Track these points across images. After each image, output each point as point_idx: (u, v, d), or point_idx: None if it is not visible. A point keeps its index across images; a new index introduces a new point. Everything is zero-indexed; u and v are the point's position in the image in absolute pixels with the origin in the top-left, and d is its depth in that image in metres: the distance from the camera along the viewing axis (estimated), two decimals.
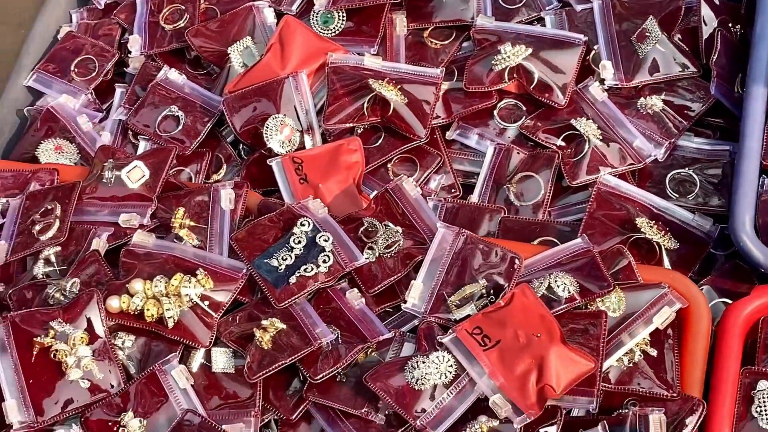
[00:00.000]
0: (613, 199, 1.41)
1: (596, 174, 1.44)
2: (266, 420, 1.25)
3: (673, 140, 1.47)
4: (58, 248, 1.39)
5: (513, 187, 1.47)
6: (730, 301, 1.31)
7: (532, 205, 1.45)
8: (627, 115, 1.49)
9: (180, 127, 1.57)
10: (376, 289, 1.29)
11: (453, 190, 1.50)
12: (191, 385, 1.23)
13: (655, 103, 1.49)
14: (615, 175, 1.44)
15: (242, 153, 1.59)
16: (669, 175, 1.45)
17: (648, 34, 1.52)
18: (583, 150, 1.46)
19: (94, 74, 1.71)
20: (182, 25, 1.71)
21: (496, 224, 1.42)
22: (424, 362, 1.19)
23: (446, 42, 1.62)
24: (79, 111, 1.66)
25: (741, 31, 1.54)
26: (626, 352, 1.23)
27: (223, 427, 1.20)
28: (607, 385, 1.21)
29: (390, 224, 1.33)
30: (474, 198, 1.48)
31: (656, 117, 1.49)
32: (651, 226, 1.37)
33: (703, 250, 1.38)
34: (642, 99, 1.50)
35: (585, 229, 1.38)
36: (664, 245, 1.36)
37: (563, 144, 1.48)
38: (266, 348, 1.24)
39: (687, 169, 1.46)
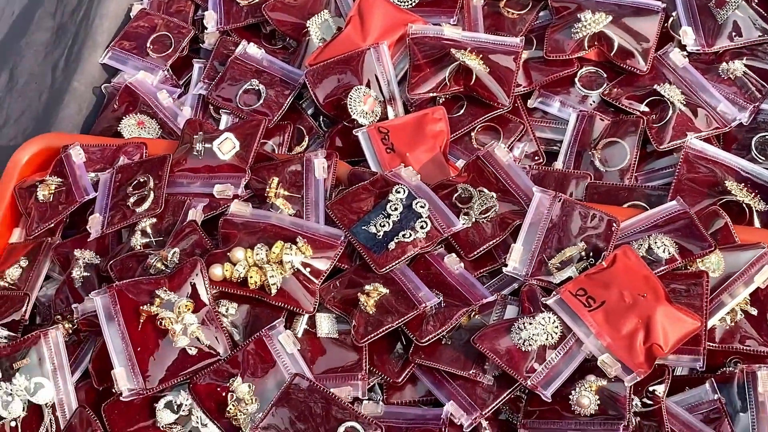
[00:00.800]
0: (701, 162, 1.42)
1: (683, 138, 1.45)
2: (371, 384, 1.27)
3: (757, 104, 1.48)
4: (154, 220, 1.40)
5: (598, 153, 1.48)
6: None
7: (619, 171, 1.46)
8: (709, 80, 1.50)
9: (261, 101, 1.59)
10: (475, 253, 1.31)
11: (536, 158, 1.51)
12: (298, 350, 1.25)
13: (737, 67, 1.50)
14: (701, 140, 1.44)
15: (322, 125, 1.60)
16: (755, 139, 1.46)
17: (727, 0, 1.53)
18: (668, 115, 1.47)
19: (170, 50, 1.72)
20: (257, 0, 1.71)
21: (582, 190, 1.43)
22: (530, 323, 1.21)
23: (523, 12, 1.63)
24: (158, 87, 1.67)
25: None
26: (728, 312, 1.24)
27: (331, 390, 1.21)
28: (711, 344, 1.22)
29: (485, 190, 1.35)
30: (558, 165, 1.49)
31: (738, 82, 1.50)
32: (740, 188, 1.38)
33: None
34: (724, 64, 1.51)
35: (674, 192, 1.39)
36: (754, 207, 1.37)
37: (647, 110, 1.49)
38: (371, 312, 1.25)
39: None
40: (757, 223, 1.38)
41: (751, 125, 1.48)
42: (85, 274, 1.39)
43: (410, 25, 1.56)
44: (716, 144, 1.47)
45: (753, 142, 1.46)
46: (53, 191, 1.49)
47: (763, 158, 1.45)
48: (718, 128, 1.46)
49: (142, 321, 1.27)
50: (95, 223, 1.43)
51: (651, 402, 1.17)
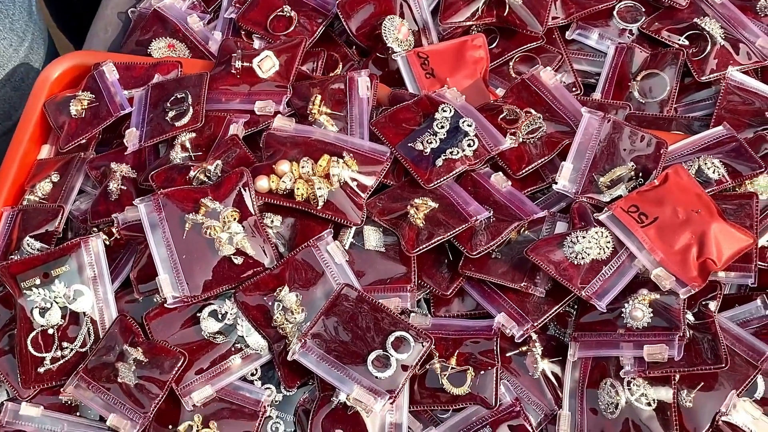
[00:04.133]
0: (742, 93, 1.42)
1: (723, 70, 1.45)
2: (418, 297, 1.26)
3: None
4: (194, 134, 1.38)
5: (637, 84, 1.48)
6: None
7: (659, 102, 1.46)
8: (747, 16, 1.51)
9: (293, 27, 1.57)
10: (523, 171, 1.30)
11: (574, 89, 1.51)
12: (346, 261, 1.24)
13: None
14: (741, 72, 1.45)
15: (356, 53, 1.59)
16: None
17: None
18: (708, 48, 1.47)
19: None
20: None
21: (622, 119, 1.43)
22: (584, 237, 1.20)
23: None
24: (187, 12, 1.65)
25: None
26: None
27: (380, 301, 1.20)
28: (761, 263, 1.22)
29: (532, 111, 1.34)
30: (596, 95, 1.49)
31: None
32: None
33: None
34: (762, 1, 1.52)
35: (716, 122, 1.39)
36: None
37: (686, 43, 1.49)
38: (421, 225, 1.24)
39: None
40: None
41: None
42: (123, 187, 1.36)
43: None
44: (755, 78, 1.47)
45: None
46: (86, 107, 1.46)
47: None
48: (758, 62, 1.47)
49: (187, 229, 1.25)
50: (132, 137, 1.40)
51: (703, 316, 1.17)
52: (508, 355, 1.21)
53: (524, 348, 1.21)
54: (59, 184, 1.42)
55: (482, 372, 1.17)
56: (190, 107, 1.39)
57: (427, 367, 1.19)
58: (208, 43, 1.59)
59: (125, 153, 1.40)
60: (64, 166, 1.44)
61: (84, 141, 1.44)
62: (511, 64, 1.52)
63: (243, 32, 1.61)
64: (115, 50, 1.67)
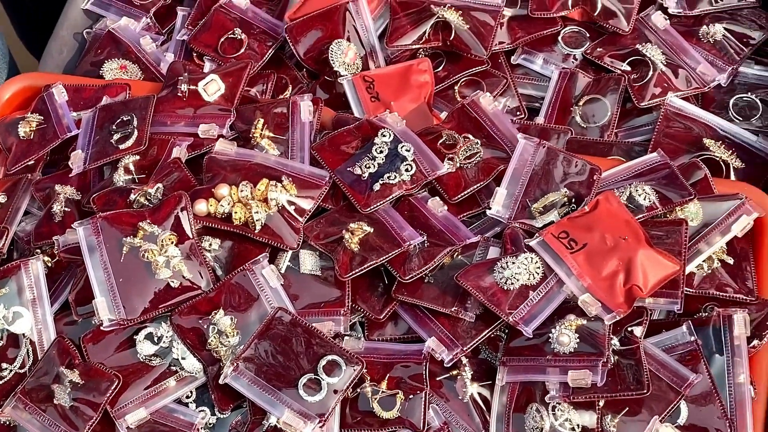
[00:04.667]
0: (680, 119, 1.45)
1: (663, 96, 1.47)
2: (353, 321, 1.27)
3: (735, 66, 1.51)
4: (137, 157, 1.40)
5: (579, 109, 1.50)
6: None
7: (599, 127, 1.48)
8: (689, 42, 1.53)
9: (243, 50, 1.59)
10: (459, 196, 1.32)
11: (518, 113, 1.53)
12: (281, 285, 1.25)
13: (717, 30, 1.53)
14: (680, 98, 1.47)
15: (306, 76, 1.61)
16: (732, 100, 1.49)
17: None
18: (649, 74, 1.49)
19: None
20: None
21: (563, 144, 1.45)
22: (513, 263, 1.22)
23: None
24: (141, 33, 1.67)
25: None
26: (705, 260, 1.26)
27: (313, 324, 1.22)
28: (688, 289, 1.24)
29: (470, 136, 1.36)
30: (539, 120, 1.51)
31: (718, 45, 1.53)
32: (718, 146, 1.41)
33: (767, 170, 1.42)
34: (704, 27, 1.54)
35: (654, 147, 1.41)
36: (731, 164, 1.40)
37: (628, 69, 1.51)
38: (355, 249, 1.26)
39: (749, 94, 1.49)
40: (733, 178, 1.40)
41: (730, 87, 1.51)
42: (66, 209, 1.38)
43: None
44: (695, 104, 1.49)
45: (730, 103, 1.49)
46: (34, 128, 1.48)
47: (740, 118, 1.48)
48: (697, 88, 1.49)
49: (124, 252, 1.26)
50: (77, 159, 1.42)
51: (629, 342, 1.19)
52: (438, 379, 1.23)
53: (454, 372, 1.22)
54: (5, 205, 1.43)
55: (411, 396, 1.19)
56: (135, 130, 1.41)
57: (359, 390, 1.21)
58: (161, 65, 1.61)
59: (70, 175, 1.42)
60: (11, 187, 1.45)
61: (32, 162, 1.46)
62: (456, 88, 1.54)
63: (195, 54, 1.63)
64: (70, 71, 1.68)
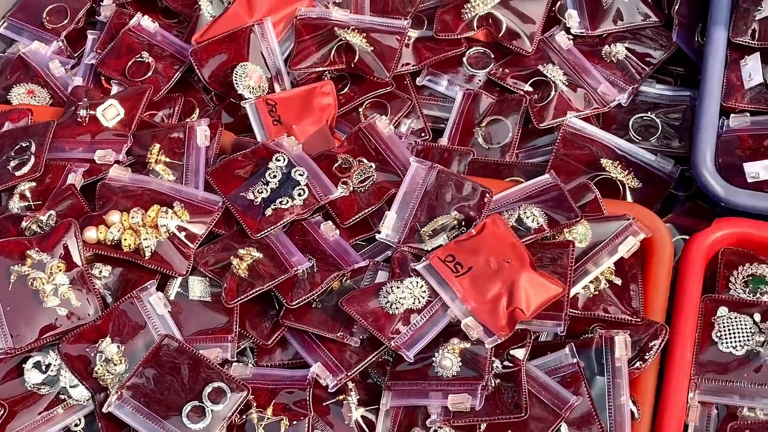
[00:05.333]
0: (579, 140, 1.46)
1: (563, 117, 1.48)
2: (242, 347, 1.27)
3: (636, 85, 1.52)
4: (33, 184, 1.40)
5: (482, 130, 1.50)
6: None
7: (501, 148, 1.49)
8: (591, 62, 1.54)
9: (150, 73, 1.59)
10: (350, 220, 1.32)
11: (423, 134, 1.54)
12: (168, 312, 1.25)
13: (619, 50, 1.54)
14: (580, 119, 1.48)
15: (213, 99, 1.61)
16: (632, 119, 1.50)
17: None
18: (550, 95, 1.50)
19: (66, 21, 1.71)
20: None
21: (465, 165, 1.45)
22: (398, 287, 1.22)
23: None
24: (51, 57, 1.67)
25: None
26: (592, 281, 1.27)
27: (201, 351, 1.22)
28: (573, 310, 1.25)
29: (364, 160, 1.36)
30: (443, 141, 1.51)
31: (620, 64, 1.54)
32: (615, 166, 1.42)
33: (665, 189, 1.44)
34: (606, 47, 1.55)
35: (551, 168, 1.42)
36: (627, 184, 1.41)
37: (531, 89, 1.52)
38: (243, 276, 1.26)
39: (649, 113, 1.51)
40: (629, 199, 1.41)
41: (631, 106, 1.52)
42: None
43: (299, 8, 1.57)
44: (596, 124, 1.50)
45: (630, 123, 1.50)
46: None
47: (640, 138, 1.49)
48: (597, 108, 1.50)
49: (12, 281, 1.26)
50: None
51: (511, 365, 1.19)
52: (325, 404, 1.23)
53: (341, 397, 1.22)
54: None
55: (295, 422, 1.19)
56: (32, 156, 1.41)
57: (245, 417, 1.21)
58: (68, 89, 1.61)
59: None
60: None
61: None
62: (361, 110, 1.54)
63: (103, 78, 1.63)
64: None
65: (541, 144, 1.50)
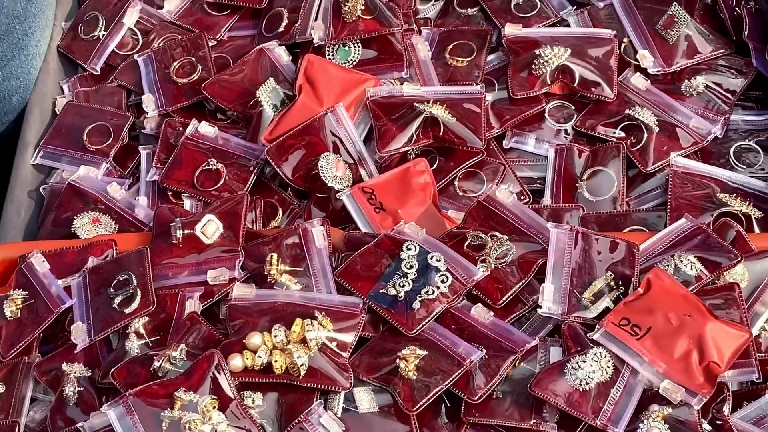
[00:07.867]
0: (690, 178, 1.43)
1: (666, 158, 1.45)
2: None
3: (727, 116, 1.50)
4: (147, 318, 1.29)
5: (585, 184, 1.46)
6: None
7: (610, 198, 1.45)
8: (673, 98, 1.52)
9: (222, 181, 1.50)
10: (504, 299, 1.26)
11: (522, 197, 1.48)
12: (343, 431, 1.16)
13: (699, 83, 1.52)
14: (683, 156, 1.45)
15: (292, 196, 1.53)
16: (732, 149, 1.48)
17: (676, 20, 1.55)
18: (645, 137, 1.47)
19: (110, 140, 1.60)
20: (196, 77, 1.63)
21: (577, 222, 1.41)
22: (584, 362, 1.16)
23: (470, 58, 1.61)
24: (105, 180, 1.56)
25: (755, 5, 1.60)
26: (766, 321, 1.23)
27: None
28: (760, 354, 1.20)
29: (496, 234, 1.30)
30: (546, 201, 1.47)
31: (703, 97, 1.52)
32: (735, 199, 1.39)
33: None
34: (686, 81, 1.53)
35: (672, 211, 1.39)
36: (752, 215, 1.38)
37: (623, 134, 1.49)
38: (413, 377, 1.18)
39: (746, 140, 1.49)
40: (757, 230, 1.38)
41: (725, 137, 1.50)
42: (80, 389, 1.25)
43: (367, 89, 1.52)
44: (696, 159, 1.48)
45: (731, 153, 1.48)
46: (21, 306, 1.35)
47: (744, 167, 1.47)
48: (696, 143, 1.48)
49: (165, 429, 1.15)
50: (79, 333, 1.30)
51: (719, 422, 1.14)
52: None
53: None
54: (6, 395, 1.29)
55: None
56: (137, 289, 1.30)
57: None
58: (135, 211, 1.50)
59: (75, 351, 1.29)
60: (7, 374, 1.31)
61: (27, 343, 1.33)
62: (456, 182, 1.48)
63: (170, 193, 1.53)
64: (31, 233, 1.55)
65: (648, 188, 1.47)
